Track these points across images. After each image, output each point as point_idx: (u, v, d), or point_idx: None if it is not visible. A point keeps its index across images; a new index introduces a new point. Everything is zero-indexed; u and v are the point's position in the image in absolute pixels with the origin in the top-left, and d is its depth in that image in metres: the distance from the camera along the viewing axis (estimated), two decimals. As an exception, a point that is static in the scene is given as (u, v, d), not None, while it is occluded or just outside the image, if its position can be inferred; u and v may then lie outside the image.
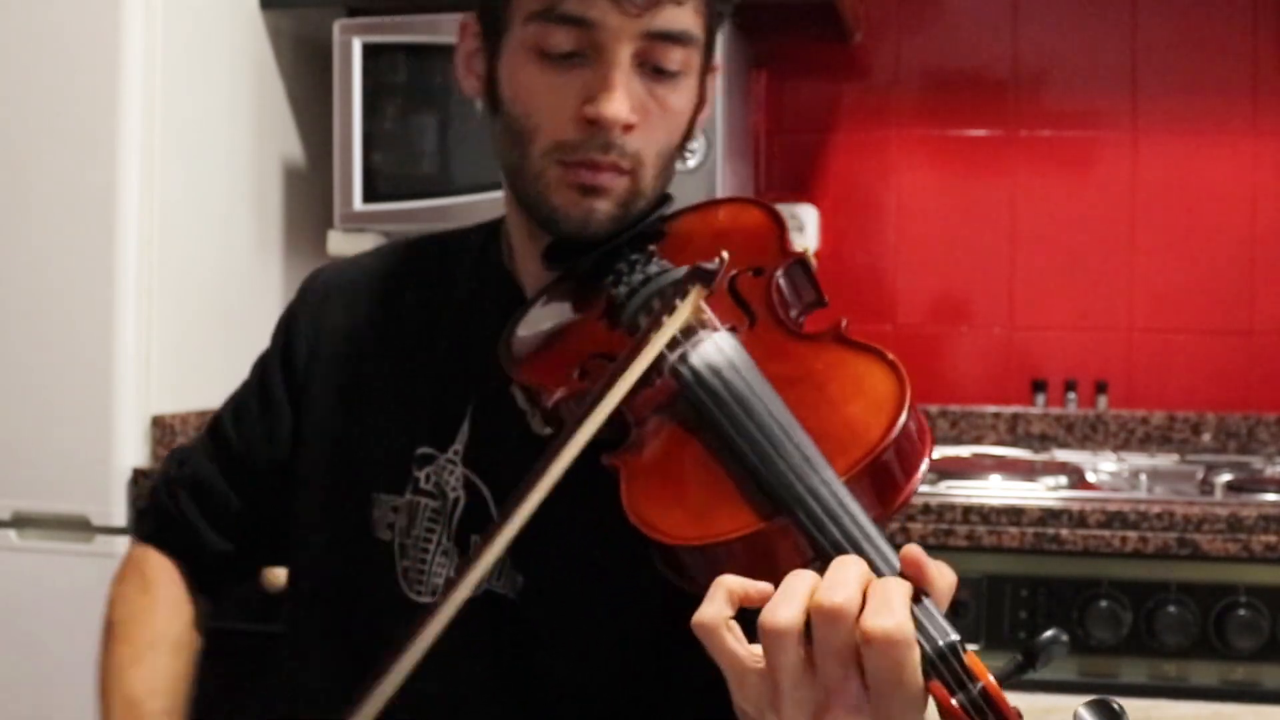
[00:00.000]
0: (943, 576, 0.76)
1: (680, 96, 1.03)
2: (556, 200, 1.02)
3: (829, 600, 0.72)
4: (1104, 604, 1.76)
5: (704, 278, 0.96)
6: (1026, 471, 2.04)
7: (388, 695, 0.87)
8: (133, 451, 1.98)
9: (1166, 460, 2.29)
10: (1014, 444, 2.42)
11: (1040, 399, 2.46)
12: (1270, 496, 1.89)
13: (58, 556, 1.97)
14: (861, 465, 0.83)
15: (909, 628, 0.71)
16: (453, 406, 1.11)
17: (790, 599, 0.74)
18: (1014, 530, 1.79)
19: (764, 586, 0.76)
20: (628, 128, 0.99)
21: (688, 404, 0.91)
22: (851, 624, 0.72)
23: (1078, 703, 0.73)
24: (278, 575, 1.24)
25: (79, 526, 1.97)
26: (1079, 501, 1.81)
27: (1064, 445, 2.41)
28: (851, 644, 0.72)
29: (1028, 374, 2.49)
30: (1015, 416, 2.45)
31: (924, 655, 0.72)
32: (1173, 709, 1.74)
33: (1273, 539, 1.73)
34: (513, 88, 1.02)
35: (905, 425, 0.85)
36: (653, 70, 1.01)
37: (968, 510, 1.80)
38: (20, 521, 2.00)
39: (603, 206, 1.01)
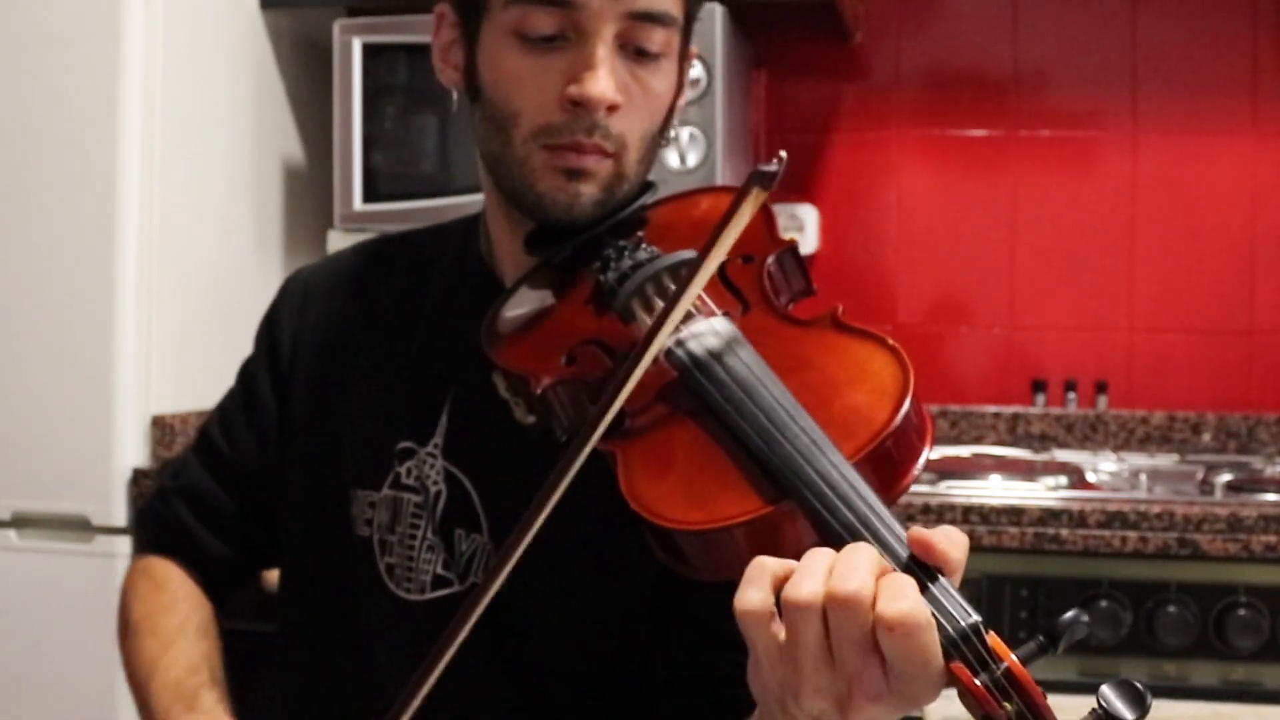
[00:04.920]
0: (953, 544, 0.76)
1: (661, 79, 1.03)
2: (542, 186, 1.01)
3: (842, 589, 0.72)
4: (1104, 604, 1.76)
5: (764, 180, 0.90)
6: (1026, 471, 2.04)
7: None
8: (133, 451, 1.98)
9: (1166, 460, 2.29)
10: (1014, 444, 2.41)
11: (1040, 399, 2.46)
12: (1270, 496, 1.89)
13: (58, 556, 1.96)
14: (866, 450, 0.82)
15: (925, 611, 0.71)
16: (431, 399, 1.11)
17: (812, 574, 0.73)
18: (1014, 530, 1.79)
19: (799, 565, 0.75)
20: (612, 109, 0.99)
21: (687, 390, 0.90)
22: (867, 611, 0.71)
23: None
24: (276, 576, 1.24)
25: (79, 526, 1.97)
26: (1079, 501, 1.81)
27: (1064, 445, 2.41)
28: (869, 632, 0.72)
29: (1028, 374, 2.49)
30: (1015, 416, 2.45)
31: (946, 636, 0.72)
32: (1173, 709, 1.74)
33: (1273, 539, 1.73)
34: (493, 73, 1.02)
35: (909, 412, 0.84)
36: (634, 52, 1.00)
37: (968, 510, 1.80)
38: (20, 521, 2.00)
39: (588, 190, 1.01)
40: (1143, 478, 2.08)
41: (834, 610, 0.72)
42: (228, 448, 1.23)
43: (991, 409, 2.47)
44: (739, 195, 0.90)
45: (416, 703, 0.87)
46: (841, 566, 0.73)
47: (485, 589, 0.87)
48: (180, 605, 1.21)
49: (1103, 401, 2.44)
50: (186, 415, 2.05)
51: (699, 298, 0.95)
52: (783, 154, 0.92)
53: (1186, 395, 2.44)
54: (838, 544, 0.76)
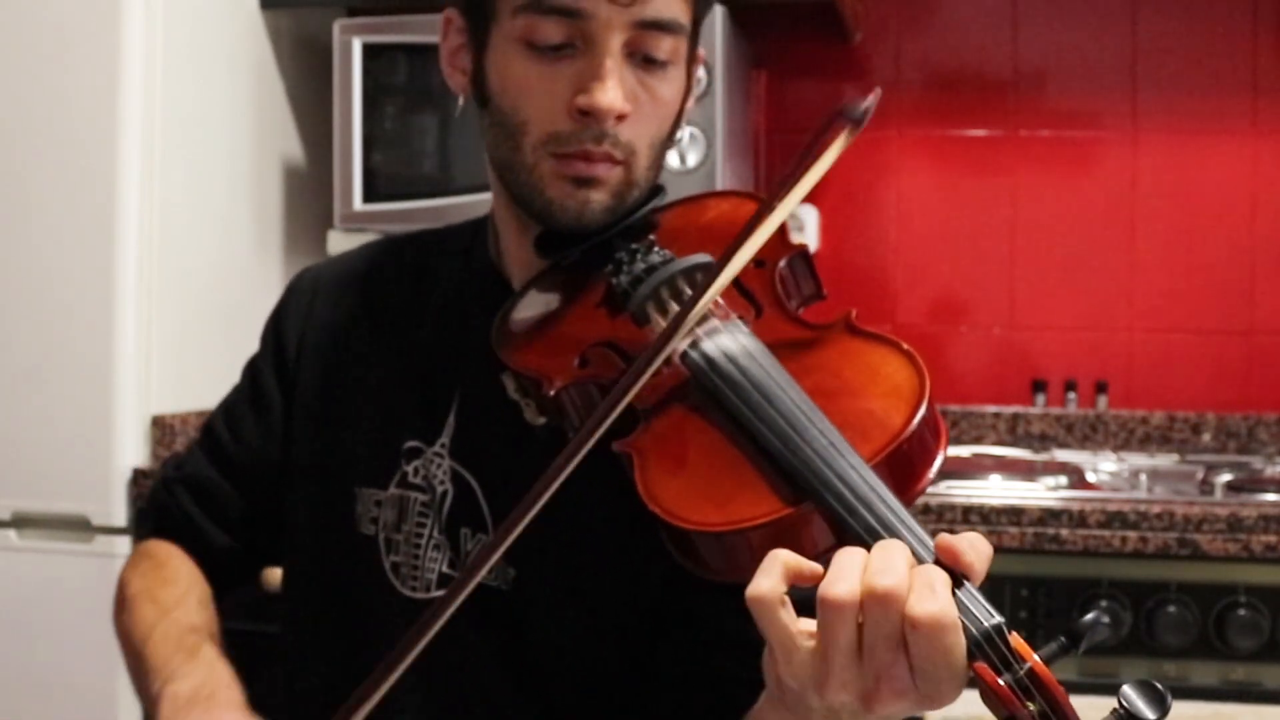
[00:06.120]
0: (978, 554, 0.77)
1: (670, 86, 1.03)
2: (551, 193, 1.01)
3: (881, 583, 0.73)
4: (1104, 604, 1.76)
5: (855, 118, 0.91)
6: (1026, 471, 2.04)
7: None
8: (133, 451, 1.98)
9: (1166, 460, 2.29)
10: (1014, 444, 2.41)
11: (1040, 399, 2.46)
12: (1270, 496, 1.89)
13: (58, 556, 1.96)
14: (883, 454, 0.83)
15: (953, 612, 0.73)
16: (439, 399, 1.11)
17: (848, 574, 0.75)
18: (1014, 530, 1.79)
19: (815, 565, 0.77)
20: (620, 118, 0.99)
21: (703, 392, 0.90)
22: (902, 607, 0.73)
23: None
24: (276, 575, 1.24)
25: (79, 526, 1.97)
26: (1079, 501, 1.81)
27: (1064, 445, 2.41)
28: (900, 628, 0.73)
29: (1028, 374, 2.49)
30: (1015, 416, 2.45)
31: (969, 637, 0.73)
32: (1173, 709, 1.74)
33: (1273, 539, 1.73)
34: (502, 81, 1.02)
35: (925, 416, 0.85)
36: (643, 60, 1.01)
37: (968, 510, 1.80)
38: (20, 521, 2.00)
39: (598, 198, 1.01)
40: (1143, 478, 2.08)
41: (871, 605, 0.74)
42: (232, 442, 1.23)
43: (991, 409, 2.47)
44: (820, 136, 0.89)
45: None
46: (878, 563, 0.75)
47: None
48: (181, 579, 1.20)
49: (1103, 401, 2.44)
50: (186, 415, 2.05)
51: (713, 300, 0.95)
52: (878, 91, 0.93)
53: (1186, 395, 2.44)
54: (858, 546, 0.77)
